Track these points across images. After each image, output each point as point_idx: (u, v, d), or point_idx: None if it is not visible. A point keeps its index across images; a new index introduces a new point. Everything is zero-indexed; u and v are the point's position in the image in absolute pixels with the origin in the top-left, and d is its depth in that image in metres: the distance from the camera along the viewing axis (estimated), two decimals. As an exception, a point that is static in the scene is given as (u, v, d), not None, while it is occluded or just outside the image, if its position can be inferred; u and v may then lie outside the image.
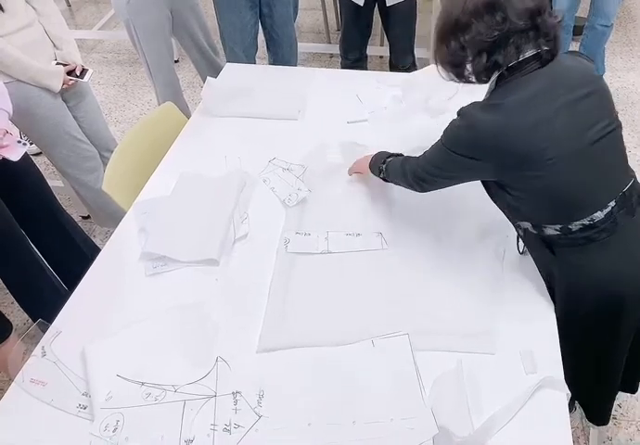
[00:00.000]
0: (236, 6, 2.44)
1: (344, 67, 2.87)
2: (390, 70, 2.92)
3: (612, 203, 1.17)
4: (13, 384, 1.17)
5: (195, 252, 1.42)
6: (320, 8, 3.90)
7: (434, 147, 1.27)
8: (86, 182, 2.20)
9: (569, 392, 1.14)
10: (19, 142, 1.66)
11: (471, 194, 1.39)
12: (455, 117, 1.21)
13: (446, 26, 1.16)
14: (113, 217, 2.00)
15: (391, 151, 1.50)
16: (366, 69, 2.95)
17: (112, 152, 1.83)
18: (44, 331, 1.27)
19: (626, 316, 1.26)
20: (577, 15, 3.26)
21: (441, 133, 1.24)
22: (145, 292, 1.36)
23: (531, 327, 1.24)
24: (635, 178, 1.24)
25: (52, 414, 1.12)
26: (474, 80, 1.20)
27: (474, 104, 1.19)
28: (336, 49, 3.15)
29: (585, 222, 1.17)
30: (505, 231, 1.42)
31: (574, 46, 3.42)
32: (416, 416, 1.08)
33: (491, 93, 1.21)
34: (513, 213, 1.28)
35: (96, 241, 2.36)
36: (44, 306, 1.75)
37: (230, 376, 1.17)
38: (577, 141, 1.14)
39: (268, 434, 1.08)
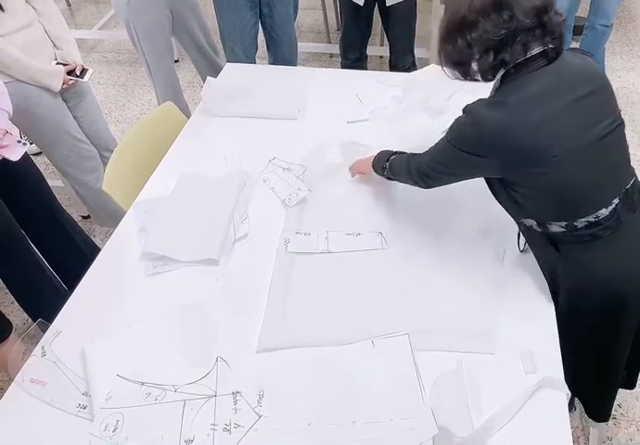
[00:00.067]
0: (236, 5, 2.44)
1: (344, 67, 2.87)
2: (390, 70, 2.92)
3: (616, 200, 1.18)
4: (13, 384, 1.17)
5: (195, 252, 1.42)
6: (320, 8, 3.90)
7: (439, 144, 1.26)
8: (86, 181, 2.20)
9: (568, 392, 1.14)
10: (19, 142, 1.65)
11: (471, 194, 1.39)
12: (460, 114, 1.21)
13: (452, 24, 1.15)
14: (113, 217, 2.00)
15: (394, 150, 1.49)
16: (366, 69, 2.95)
17: (112, 152, 1.82)
18: (44, 331, 1.27)
19: (628, 314, 1.26)
20: (577, 15, 3.26)
21: (442, 133, 1.24)
22: (145, 292, 1.36)
23: (532, 327, 1.24)
24: (636, 176, 1.24)
25: (52, 414, 1.12)
26: (479, 78, 1.19)
27: (480, 101, 1.19)
28: (336, 49, 3.15)
29: (591, 218, 1.18)
30: (504, 230, 1.42)
31: (574, 46, 3.41)
32: (416, 416, 1.08)
33: (496, 90, 1.21)
34: (517, 211, 1.28)
35: (96, 241, 2.36)
36: (44, 306, 1.74)
37: (230, 376, 1.17)
38: (583, 138, 1.14)
39: (268, 434, 1.08)
